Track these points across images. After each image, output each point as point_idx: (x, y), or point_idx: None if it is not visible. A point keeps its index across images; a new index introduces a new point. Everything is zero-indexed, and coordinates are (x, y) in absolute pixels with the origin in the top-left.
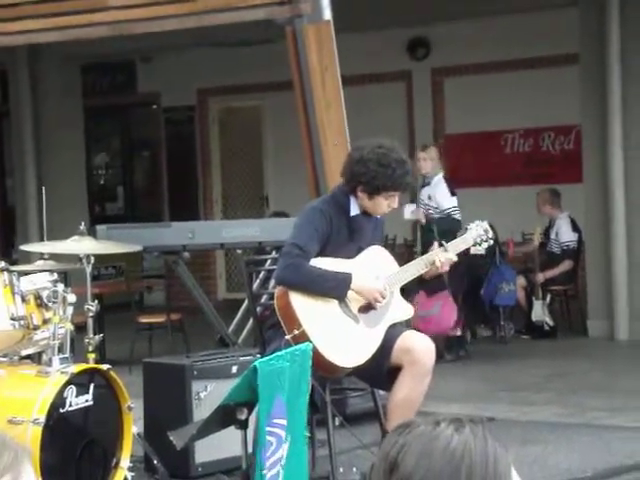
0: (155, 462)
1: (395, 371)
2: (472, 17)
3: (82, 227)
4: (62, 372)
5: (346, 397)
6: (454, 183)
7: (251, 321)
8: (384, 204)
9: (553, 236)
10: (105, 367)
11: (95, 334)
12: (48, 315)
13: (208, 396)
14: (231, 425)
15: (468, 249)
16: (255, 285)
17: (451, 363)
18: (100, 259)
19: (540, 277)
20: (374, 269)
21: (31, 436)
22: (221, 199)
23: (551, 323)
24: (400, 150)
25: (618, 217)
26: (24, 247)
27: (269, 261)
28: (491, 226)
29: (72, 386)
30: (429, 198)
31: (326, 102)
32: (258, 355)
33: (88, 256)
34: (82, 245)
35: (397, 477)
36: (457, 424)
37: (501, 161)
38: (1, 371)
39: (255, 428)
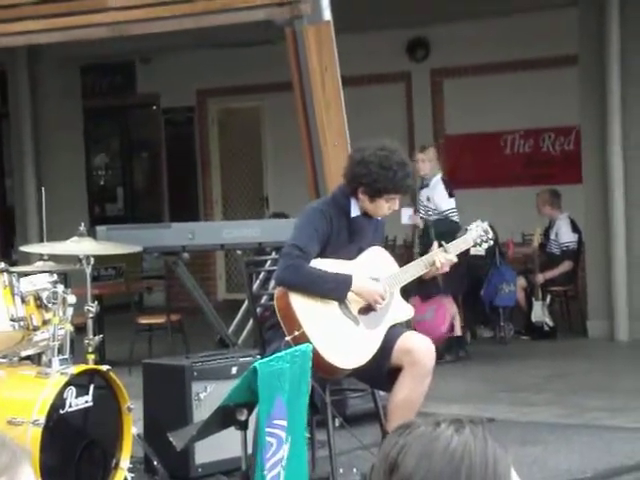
0: (155, 463)
1: (395, 372)
2: (472, 18)
3: (82, 228)
4: (62, 373)
5: (346, 398)
6: (454, 184)
7: (251, 322)
8: (385, 206)
9: (553, 237)
10: (105, 368)
11: (95, 335)
12: (48, 316)
13: (208, 397)
14: (231, 426)
15: (468, 250)
16: (255, 286)
17: (451, 364)
18: (100, 260)
19: (540, 278)
20: (374, 270)
21: (31, 437)
22: (221, 200)
23: (551, 324)
24: (402, 152)
25: (618, 218)
26: (24, 248)
27: (269, 262)
28: (491, 227)
29: (72, 387)
30: (428, 199)
31: (326, 103)
32: (258, 356)
33: (88, 257)
34: (82, 246)
35: (397, 478)
36: (457, 425)
37: (501, 162)
38: (1, 372)
39: (255, 429)
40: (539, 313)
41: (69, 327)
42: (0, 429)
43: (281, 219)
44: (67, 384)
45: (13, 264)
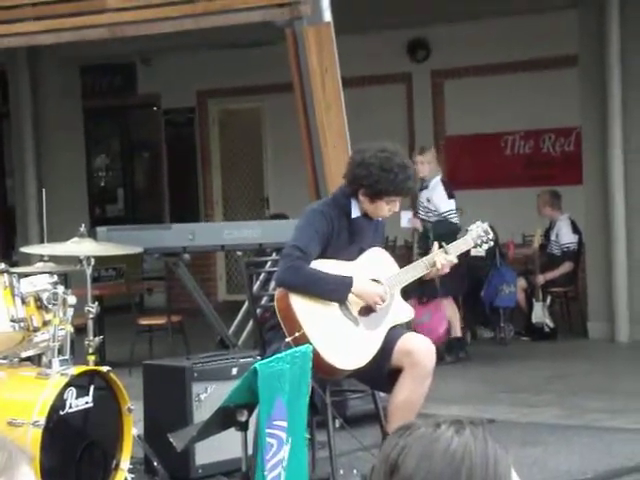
0: (155, 464)
1: (395, 373)
2: (472, 19)
3: (82, 229)
4: (62, 374)
5: (346, 399)
6: (455, 185)
7: (251, 323)
8: (385, 208)
9: (553, 238)
10: (105, 369)
11: (95, 336)
12: (48, 317)
13: (208, 398)
14: (231, 427)
15: (468, 250)
16: (255, 287)
17: (451, 365)
18: (100, 261)
19: (540, 279)
20: (374, 271)
21: (31, 438)
22: (221, 201)
23: (551, 325)
24: (403, 154)
25: (618, 219)
26: (24, 249)
27: (269, 263)
28: (491, 228)
29: (72, 388)
30: (428, 201)
31: (326, 104)
32: (258, 357)
33: (88, 258)
34: (82, 247)
35: (398, 479)
36: (457, 426)
37: (501, 163)
38: (1, 373)
39: (255, 430)
40: (539, 314)
41: (69, 328)
42: (0, 430)
43: (282, 220)
44: (67, 385)
45: (13, 265)
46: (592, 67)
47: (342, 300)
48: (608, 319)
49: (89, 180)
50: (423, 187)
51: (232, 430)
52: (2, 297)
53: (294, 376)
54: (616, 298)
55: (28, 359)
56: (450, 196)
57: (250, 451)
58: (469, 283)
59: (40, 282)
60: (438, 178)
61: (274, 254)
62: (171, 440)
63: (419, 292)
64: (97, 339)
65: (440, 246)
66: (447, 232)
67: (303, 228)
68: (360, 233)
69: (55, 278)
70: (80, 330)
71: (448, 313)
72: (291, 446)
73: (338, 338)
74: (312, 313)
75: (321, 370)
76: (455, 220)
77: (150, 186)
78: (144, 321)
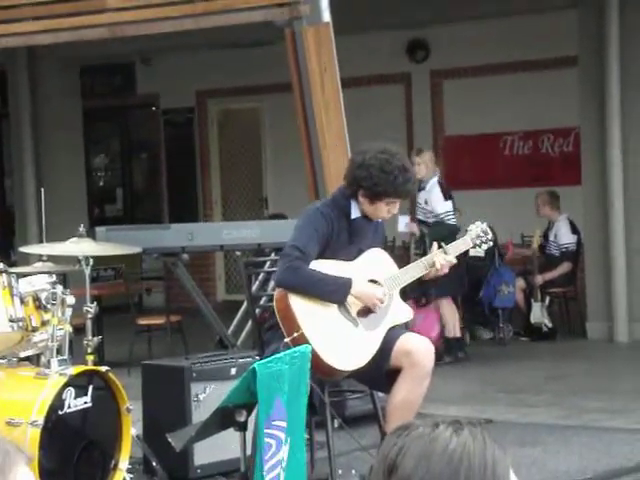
0: (154, 464)
1: (394, 373)
2: (471, 19)
3: (81, 229)
4: (61, 374)
5: (345, 399)
6: (453, 185)
7: (250, 323)
8: (384, 210)
9: (552, 238)
10: (104, 369)
11: (94, 336)
12: (47, 317)
13: (207, 398)
14: (230, 427)
15: (467, 251)
16: (254, 287)
17: (450, 365)
18: (99, 261)
19: (539, 279)
20: (374, 272)
21: (30, 438)
22: (220, 201)
23: (550, 325)
24: (403, 156)
25: (617, 220)
26: (23, 249)
27: (268, 263)
28: (490, 228)
29: (71, 388)
30: (425, 202)
31: (325, 104)
32: (257, 357)
33: (87, 258)
34: (81, 247)
35: (396, 479)
36: (456, 426)
37: (500, 163)
38: (0, 373)
39: (254, 430)
40: (538, 314)
41: (68, 328)
42: None
43: (280, 220)
44: (66, 385)
45: (12, 265)
46: (591, 68)
47: (341, 301)
48: (607, 319)
49: (88, 180)
50: (420, 188)
51: (231, 430)
52: (1, 297)
53: (293, 376)
54: (615, 298)
55: (27, 359)
56: (447, 197)
57: (249, 451)
58: (468, 283)
59: (39, 282)
60: (435, 179)
61: (273, 254)
62: (170, 440)
63: (418, 293)
64: (96, 339)
65: (439, 246)
66: (444, 235)
67: (302, 228)
68: (359, 234)
69: (54, 278)
70: (79, 330)
71: (447, 313)
72: (290, 446)
73: (337, 339)
74: (311, 314)
75: (320, 370)
76: (453, 221)
77: (149, 186)
78: (143, 321)
